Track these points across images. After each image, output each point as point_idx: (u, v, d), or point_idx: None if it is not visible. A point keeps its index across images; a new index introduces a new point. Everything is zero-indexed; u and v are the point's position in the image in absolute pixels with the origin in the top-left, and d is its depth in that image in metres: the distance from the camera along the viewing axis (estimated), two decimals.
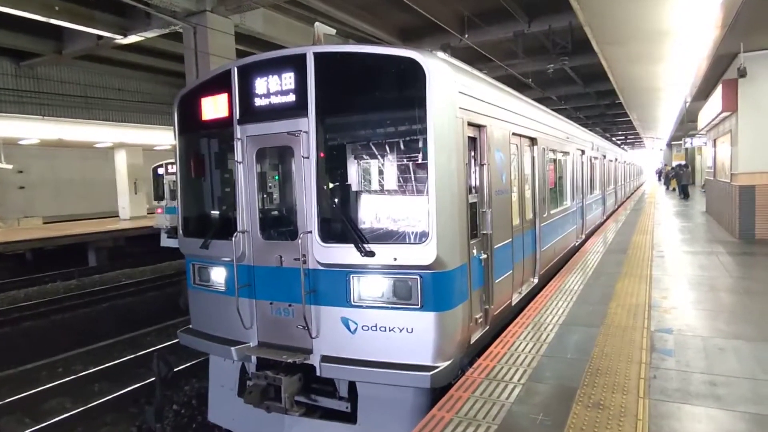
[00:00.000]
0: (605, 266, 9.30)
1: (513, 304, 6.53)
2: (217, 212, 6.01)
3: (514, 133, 6.71)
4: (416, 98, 4.44)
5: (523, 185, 7.34)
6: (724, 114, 13.10)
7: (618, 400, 4.00)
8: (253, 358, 5.21)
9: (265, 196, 5.48)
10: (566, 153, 10.73)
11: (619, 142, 53.50)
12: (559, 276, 8.62)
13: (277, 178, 5.58)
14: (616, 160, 22.28)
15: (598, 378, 4.43)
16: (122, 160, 23.87)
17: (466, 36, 15.18)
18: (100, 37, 15.41)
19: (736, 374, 4.48)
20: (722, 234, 13.36)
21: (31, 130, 18.64)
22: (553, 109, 12.42)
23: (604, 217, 17.53)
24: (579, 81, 23.28)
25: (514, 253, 6.62)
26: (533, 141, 7.85)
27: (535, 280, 7.79)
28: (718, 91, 12.76)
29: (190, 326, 6.03)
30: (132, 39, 15.21)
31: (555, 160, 9.73)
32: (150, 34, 14.72)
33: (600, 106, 31.23)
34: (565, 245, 10.32)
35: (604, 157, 17.49)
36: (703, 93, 16.27)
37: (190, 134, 6.00)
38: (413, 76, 4.43)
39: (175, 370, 6.21)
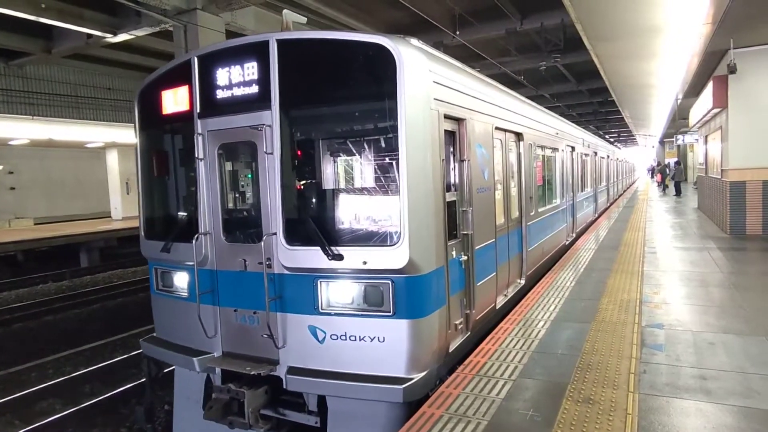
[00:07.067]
0: (597, 263, 9.32)
1: (498, 307, 6.25)
2: (179, 213, 5.63)
3: (497, 128, 6.40)
4: (386, 88, 4.12)
5: (508, 182, 7.02)
6: (715, 110, 13.18)
7: (608, 395, 4.00)
8: (218, 369, 4.91)
9: (228, 195, 5.15)
10: (555, 149, 10.50)
11: (611, 140, 53.71)
12: (551, 273, 8.62)
13: (250, 176, 5.20)
14: (608, 157, 22.33)
15: (589, 373, 4.43)
16: (114, 160, 23.72)
17: (458, 33, 15.16)
18: (89, 35, 15.28)
19: (726, 368, 4.50)
20: (713, 230, 13.44)
21: (20, 130, 18.47)
22: (546, 107, 12.42)
23: (596, 215, 17.53)
24: (572, 78, 23.34)
25: (498, 254, 6.32)
26: (519, 136, 7.55)
27: (522, 282, 7.49)
28: (709, 88, 12.83)
29: (154, 334, 5.72)
30: (122, 37, 15.08)
31: (543, 157, 9.48)
32: (140, 33, 14.60)
33: (593, 103, 31.34)
34: (554, 245, 10.05)
35: (596, 154, 17.50)
36: (694, 90, 16.36)
37: (150, 130, 5.65)
38: (382, 64, 4.11)
39: (166, 370, 6.14)
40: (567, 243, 11.52)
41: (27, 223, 22.58)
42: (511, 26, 15.62)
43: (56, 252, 18.50)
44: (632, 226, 14.72)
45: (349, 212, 4.70)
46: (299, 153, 4.75)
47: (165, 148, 5.65)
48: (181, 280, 5.27)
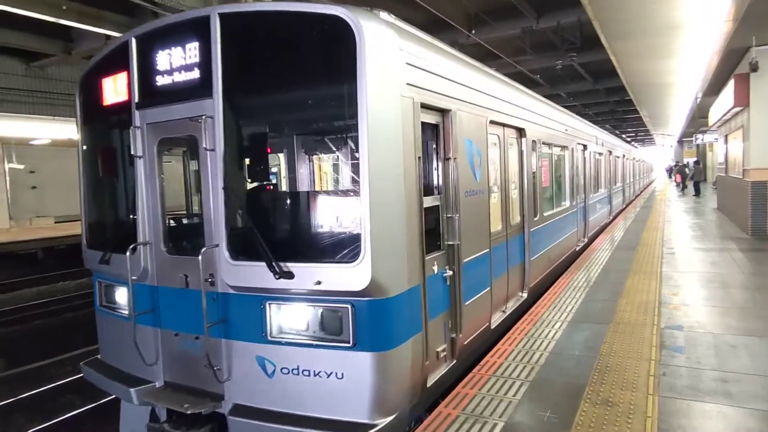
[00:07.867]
0: (614, 263, 9.21)
1: (493, 327, 5.51)
2: (119, 219, 4.99)
3: (492, 121, 5.59)
4: (343, 69, 3.46)
5: (507, 184, 6.24)
6: (736, 109, 12.95)
7: (627, 398, 3.95)
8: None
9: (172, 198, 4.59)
10: (565, 147, 9.86)
11: (629, 139, 53.06)
12: (567, 274, 8.54)
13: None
14: (624, 156, 21.99)
15: (607, 375, 4.38)
16: None
17: (474, 32, 15.09)
18: (108, 36, 15.52)
19: (748, 371, 4.41)
20: (734, 230, 13.20)
21: (42, 130, 18.87)
22: (562, 106, 12.24)
23: (611, 217, 17.14)
24: (588, 77, 23.07)
25: (494, 265, 5.52)
26: (521, 132, 6.77)
27: (525, 295, 6.72)
28: (730, 86, 12.60)
29: (98, 356, 5.10)
30: None
31: (550, 156, 8.78)
32: None
33: (609, 102, 30.96)
34: (562, 252, 9.20)
35: (611, 153, 17.16)
36: (714, 88, 16.07)
37: (91, 123, 5.03)
38: (340, 40, 3.44)
39: None
40: (577, 249, 10.80)
41: (47, 222, 22.98)
42: (527, 25, 15.48)
43: (76, 250, 18.80)
44: (650, 226, 14.52)
45: (302, 221, 4.13)
46: (245, 149, 4.09)
47: (104, 145, 5.00)
48: (122, 296, 4.63)
